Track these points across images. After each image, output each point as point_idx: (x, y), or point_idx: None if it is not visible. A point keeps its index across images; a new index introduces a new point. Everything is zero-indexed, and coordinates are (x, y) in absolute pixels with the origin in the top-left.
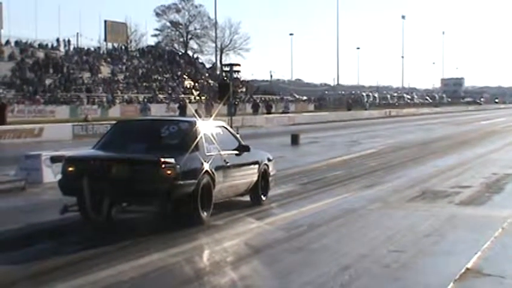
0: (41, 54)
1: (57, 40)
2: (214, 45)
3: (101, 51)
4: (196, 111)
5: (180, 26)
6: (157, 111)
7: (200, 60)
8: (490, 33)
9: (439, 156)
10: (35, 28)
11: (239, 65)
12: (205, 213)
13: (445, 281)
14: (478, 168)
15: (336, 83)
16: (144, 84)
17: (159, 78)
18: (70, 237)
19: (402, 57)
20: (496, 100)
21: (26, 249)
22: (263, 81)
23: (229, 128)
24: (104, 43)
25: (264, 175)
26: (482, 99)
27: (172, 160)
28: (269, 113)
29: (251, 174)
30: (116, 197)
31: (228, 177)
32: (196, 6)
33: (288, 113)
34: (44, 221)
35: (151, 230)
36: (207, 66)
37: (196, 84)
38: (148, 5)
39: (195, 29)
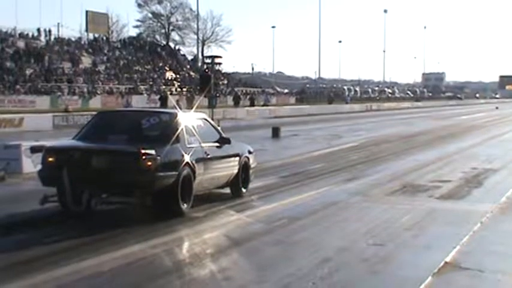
0: (21, 44)
1: (38, 30)
2: (196, 37)
3: (82, 42)
4: (177, 102)
5: (162, 18)
6: (138, 102)
7: (182, 52)
8: (471, 29)
9: (420, 151)
10: (15, 17)
11: (221, 57)
12: (185, 205)
13: (423, 274)
14: (457, 163)
15: (317, 76)
16: (125, 75)
17: (141, 69)
18: (50, 227)
19: (384, 51)
20: (477, 95)
21: (5, 240)
22: (245, 73)
23: (210, 120)
24: (85, 33)
25: (244, 167)
26: (463, 94)
27: (152, 152)
28: (252, 105)
29: (232, 167)
30: (96, 188)
31: (208, 169)
32: None
33: (268, 105)
34: (23, 211)
35: (131, 222)
36: (189, 58)
37: (178, 76)
38: None
39: (177, 20)
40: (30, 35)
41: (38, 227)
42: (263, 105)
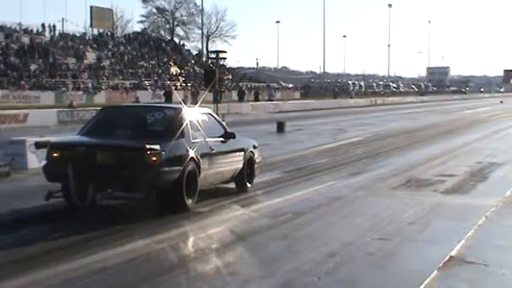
0: (26, 40)
1: (43, 25)
2: (200, 32)
3: (87, 37)
4: (185, 98)
5: (167, 13)
6: (143, 98)
7: (186, 47)
8: (476, 23)
9: (424, 145)
10: (19, 13)
11: (225, 52)
12: (190, 200)
13: (428, 268)
14: (462, 157)
15: (322, 71)
16: (130, 70)
17: (145, 64)
18: (55, 223)
19: (388, 45)
20: (481, 89)
21: (10, 235)
22: (249, 68)
23: (214, 115)
24: (90, 29)
25: (249, 162)
26: (467, 89)
27: (157, 147)
28: (257, 100)
29: (237, 162)
30: (101, 183)
31: (213, 164)
32: None
33: (273, 100)
34: (28, 207)
35: (136, 217)
36: (193, 53)
37: (182, 71)
38: None
39: (182, 15)
40: (35, 30)
41: (43, 223)
42: (268, 100)
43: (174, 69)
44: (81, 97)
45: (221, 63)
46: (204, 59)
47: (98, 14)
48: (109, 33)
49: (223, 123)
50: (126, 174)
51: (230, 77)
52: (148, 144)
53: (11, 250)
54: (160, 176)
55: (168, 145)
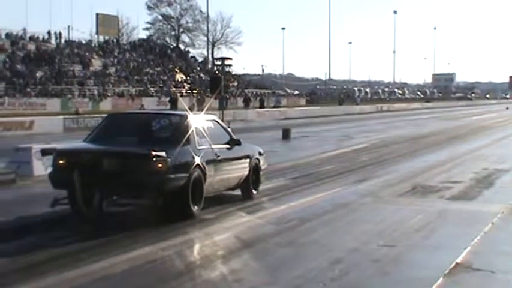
0: (32, 47)
1: (48, 33)
2: (206, 39)
3: (92, 44)
4: (192, 106)
5: (172, 20)
6: (148, 105)
7: (192, 54)
8: (481, 29)
9: (430, 151)
10: (25, 20)
11: (231, 59)
12: (196, 207)
13: (435, 275)
14: (468, 164)
15: (327, 77)
16: (136, 77)
17: (151, 71)
18: (60, 230)
19: (394, 52)
20: (487, 96)
21: (16, 242)
22: (255, 75)
23: (220, 121)
24: (96, 36)
25: (255, 169)
26: (473, 95)
27: (163, 153)
28: (262, 107)
29: (242, 168)
30: (107, 190)
31: (219, 171)
32: (188, 0)
33: (279, 107)
34: (34, 214)
35: (142, 224)
36: (199, 60)
37: (188, 78)
38: None
39: (187, 22)
40: (41, 37)
41: (49, 230)
42: (274, 107)
43: (179, 76)
44: (87, 104)
45: (227, 70)
46: (210, 65)
47: (103, 21)
48: (115, 40)
49: (229, 130)
50: (132, 181)
51: (236, 83)
52: (154, 150)
53: (16, 257)
54: (166, 183)
55: (174, 152)
